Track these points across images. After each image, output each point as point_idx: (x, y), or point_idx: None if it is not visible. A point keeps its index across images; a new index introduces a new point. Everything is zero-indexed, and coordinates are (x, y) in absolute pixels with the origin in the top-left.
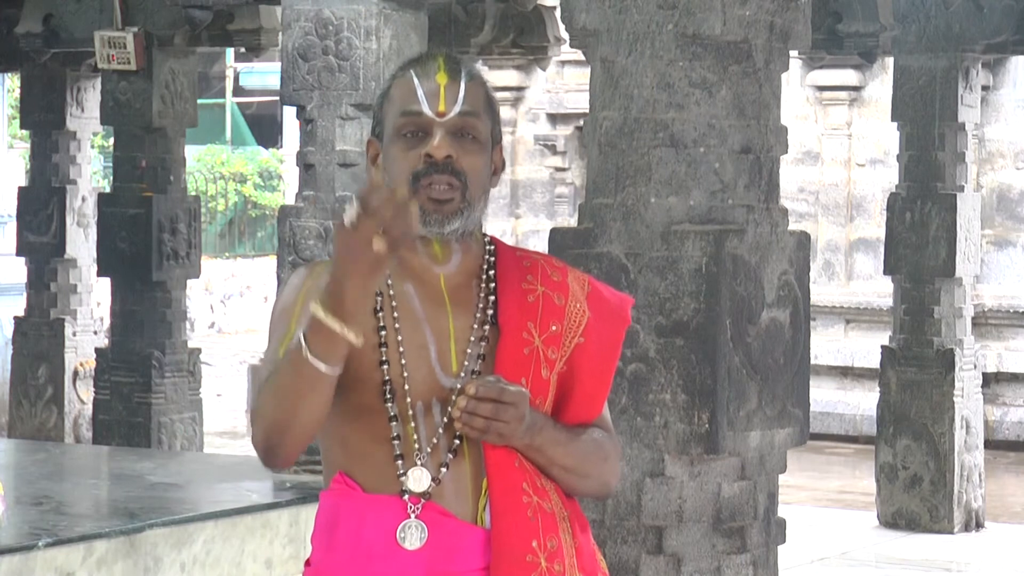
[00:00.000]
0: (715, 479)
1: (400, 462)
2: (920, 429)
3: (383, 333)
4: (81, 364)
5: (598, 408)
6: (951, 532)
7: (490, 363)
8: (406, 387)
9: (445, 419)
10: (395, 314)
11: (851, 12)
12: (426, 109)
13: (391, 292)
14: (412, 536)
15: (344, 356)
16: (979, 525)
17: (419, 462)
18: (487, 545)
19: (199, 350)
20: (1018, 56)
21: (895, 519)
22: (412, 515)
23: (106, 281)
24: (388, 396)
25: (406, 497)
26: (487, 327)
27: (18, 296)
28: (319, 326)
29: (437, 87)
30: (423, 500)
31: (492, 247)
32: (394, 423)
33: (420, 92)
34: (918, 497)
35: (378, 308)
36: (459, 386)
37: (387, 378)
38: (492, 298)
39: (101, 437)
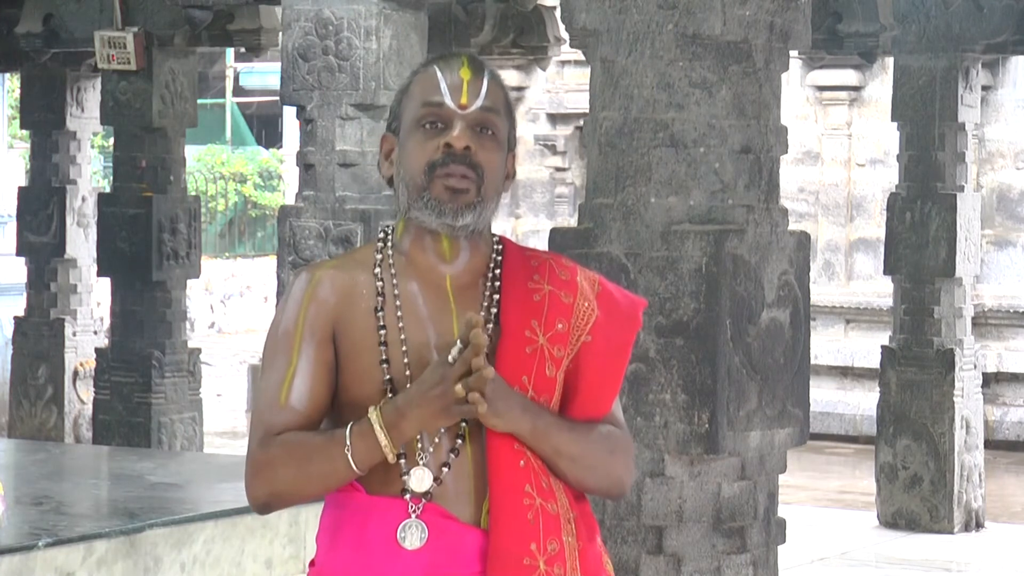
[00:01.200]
0: (715, 479)
1: (402, 461)
2: (920, 429)
3: (383, 332)
4: (81, 364)
5: (605, 407)
6: (951, 532)
7: (492, 362)
8: (408, 386)
9: None
10: (398, 313)
11: (851, 12)
12: (448, 100)
13: (396, 291)
14: (412, 536)
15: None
16: (979, 525)
17: (421, 462)
18: (486, 548)
19: (199, 350)
20: (1018, 56)
21: (895, 519)
22: (413, 515)
23: (106, 281)
24: (390, 395)
25: (407, 497)
26: (490, 326)
27: (18, 296)
28: (368, 432)
29: (460, 80)
30: (424, 500)
31: (500, 247)
32: None
33: (443, 85)
34: (918, 497)
35: (378, 308)
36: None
37: (388, 377)
38: (496, 297)
39: (101, 437)
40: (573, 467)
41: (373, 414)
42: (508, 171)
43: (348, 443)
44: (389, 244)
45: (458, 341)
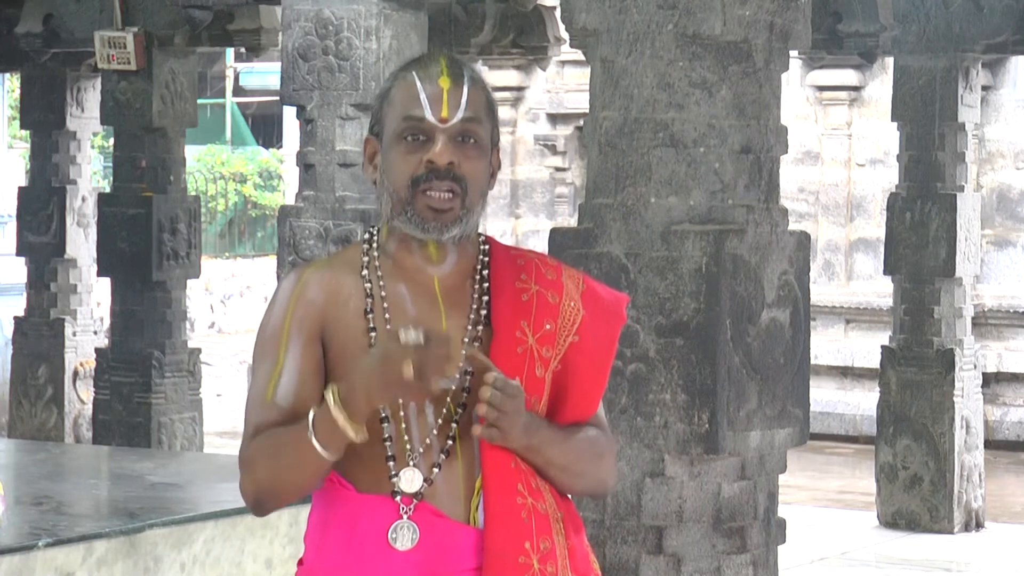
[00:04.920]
0: (715, 479)
1: (392, 463)
2: (920, 429)
3: (373, 335)
4: (81, 364)
5: (593, 406)
6: (951, 532)
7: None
8: None
9: (439, 420)
10: (387, 315)
11: (851, 12)
12: (429, 115)
13: (383, 293)
14: (403, 537)
15: (344, 446)
16: (979, 525)
17: (411, 463)
18: (479, 545)
19: (199, 350)
20: (1018, 56)
21: (895, 519)
22: (404, 516)
23: (106, 281)
24: None
25: (398, 498)
26: (480, 327)
27: (18, 296)
28: (327, 414)
29: (440, 91)
30: (415, 501)
31: (487, 247)
32: (386, 424)
33: (423, 97)
34: (918, 497)
35: (368, 310)
36: (452, 387)
37: None
38: (486, 298)
39: (101, 437)
40: (562, 475)
41: (329, 391)
42: (492, 167)
43: (311, 426)
44: (375, 246)
45: (412, 325)
